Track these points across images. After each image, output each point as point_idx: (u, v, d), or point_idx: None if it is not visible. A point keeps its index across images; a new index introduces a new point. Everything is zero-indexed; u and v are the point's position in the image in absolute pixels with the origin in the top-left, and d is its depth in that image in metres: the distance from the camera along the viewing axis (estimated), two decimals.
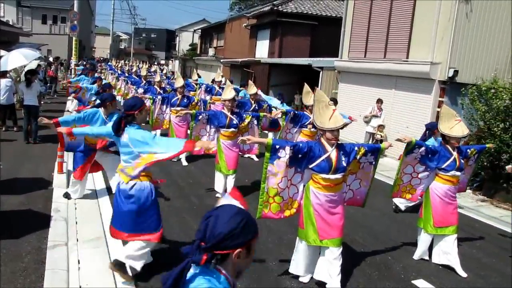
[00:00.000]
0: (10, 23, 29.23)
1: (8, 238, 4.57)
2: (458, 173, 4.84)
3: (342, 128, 3.91)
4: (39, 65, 14.98)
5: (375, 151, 4.26)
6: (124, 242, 4.55)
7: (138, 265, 3.95)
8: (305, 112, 7.48)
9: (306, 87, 7.41)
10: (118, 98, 13.63)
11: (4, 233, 4.68)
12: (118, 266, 3.94)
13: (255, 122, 6.97)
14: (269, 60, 20.65)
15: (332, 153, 3.93)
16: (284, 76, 19.68)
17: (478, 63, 10.13)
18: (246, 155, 9.28)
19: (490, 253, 5.57)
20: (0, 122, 10.66)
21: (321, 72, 15.01)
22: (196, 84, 14.29)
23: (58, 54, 30.32)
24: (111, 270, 3.99)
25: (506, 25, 10.07)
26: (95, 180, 6.92)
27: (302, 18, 20.83)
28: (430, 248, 5.02)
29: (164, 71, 28.01)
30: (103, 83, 10.63)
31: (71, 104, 14.32)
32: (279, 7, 20.80)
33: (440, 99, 10.17)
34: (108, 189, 6.46)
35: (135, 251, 3.94)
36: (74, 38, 24.98)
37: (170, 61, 54.23)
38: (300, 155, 3.90)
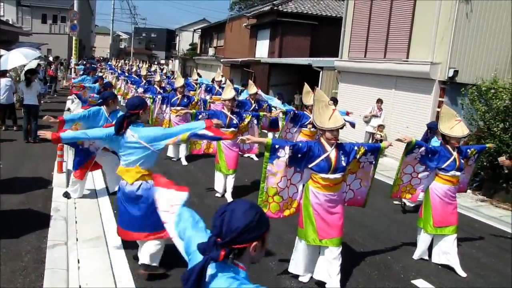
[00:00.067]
0: (10, 22, 29.20)
1: (8, 237, 4.57)
2: (458, 173, 4.84)
3: (341, 128, 3.91)
4: (39, 65, 14.98)
5: (375, 150, 4.25)
6: (123, 241, 4.57)
7: (157, 262, 4.08)
8: (305, 112, 7.48)
9: (306, 87, 7.41)
10: (118, 97, 13.61)
11: (4, 233, 4.68)
12: (149, 268, 4.02)
13: (255, 121, 6.97)
14: (269, 60, 20.65)
15: (332, 152, 3.93)
16: (284, 76, 19.68)
17: (478, 63, 10.13)
18: (246, 155, 9.29)
19: (489, 253, 5.57)
20: (0, 121, 10.66)
21: (321, 72, 15.02)
22: (196, 84, 14.29)
23: (58, 53, 30.31)
24: (145, 275, 4.01)
25: (506, 25, 10.07)
26: (95, 180, 6.92)
27: (302, 18, 20.83)
28: (430, 248, 5.02)
29: (164, 71, 27.99)
30: (104, 82, 10.69)
31: (72, 104, 14.33)
32: (279, 7, 20.79)
33: (440, 99, 10.17)
34: (107, 188, 6.47)
35: (154, 249, 4.02)
36: (74, 38, 24.95)
37: (170, 61, 54.22)
38: (299, 155, 3.90)
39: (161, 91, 11.22)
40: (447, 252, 4.81)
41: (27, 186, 6.36)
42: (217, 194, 6.80)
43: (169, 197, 2.22)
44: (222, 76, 13.50)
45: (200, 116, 6.54)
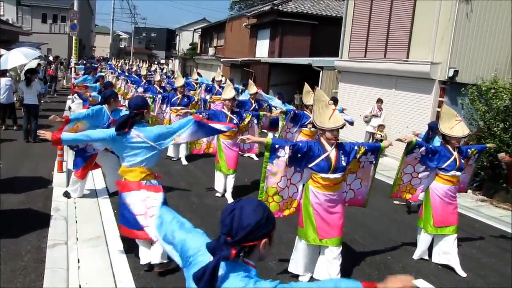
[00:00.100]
0: (10, 22, 29.21)
1: (8, 237, 4.58)
2: (458, 173, 4.84)
3: (342, 127, 3.91)
4: (39, 64, 15.00)
5: (375, 150, 4.25)
6: (123, 241, 4.57)
7: (166, 257, 4.07)
8: (305, 112, 7.48)
9: (306, 87, 7.41)
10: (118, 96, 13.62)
11: (4, 232, 4.68)
12: (163, 265, 4.05)
13: (255, 121, 6.97)
14: (269, 60, 20.64)
15: (332, 152, 3.93)
16: (284, 76, 19.68)
17: (478, 63, 10.13)
18: (246, 155, 9.30)
19: (489, 253, 5.57)
20: (0, 121, 10.66)
21: (321, 72, 15.02)
22: (196, 84, 14.28)
23: (58, 53, 30.33)
24: (161, 272, 4.02)
25: (506, 25, 10.07)
26: (95, 180, 6.91)
27: (302, 17, 20.82)
28: (430, 248, 5.02)
29: (164, 71, 27.98)
30: (104, 81, 10.73)
31: (73, 104, 14.34)
32: (279, 6, 20.78)
33: (440, 99, 10.17)
34: (108, 188, 6.47)
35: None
36: (74, 37, 24.89)
37: (170, 61, 54.21)
38: (299, 155, 3.90)
39: (161, 90, 11.21)
40: (447, 252, 4.81)
41: (27, 185, 6.36)
42: (217, 194, 6.80)
43: (143, 199, 2.11)
44: (222, 75, 13.50)
45: (201, 116, 6.54)
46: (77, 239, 4.76)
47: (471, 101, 9.11)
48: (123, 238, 4.64)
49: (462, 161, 4.88)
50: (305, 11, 20.98)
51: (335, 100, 8.70)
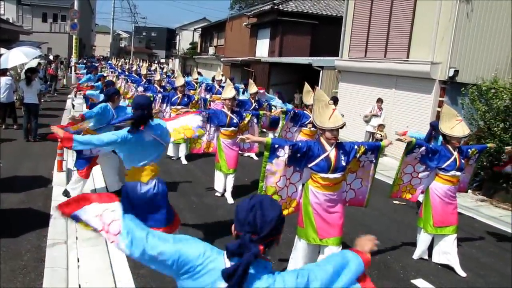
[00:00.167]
0: (10, 21, 29.20)
1: (7, 236, 4.58)
2: (458, 173, 4.83)
3: (341, 127, 3.91)
4: (39, 64, 15.00)
5: (375, 149, 4.25)
6: None
7: None
8: (305, 111, 7.48)
9: (307, 86, 7.41)
10: None
11: (3, 231, 4.68)
12: None
13: (255, 120, 6.97)
14: (269, 59, 20.63)
15: (331, 152, 3.92)
16: (284, 75, 19.67)
17: (478, 63, 10.12)
18: (246, 154, 9.30)
19: (489, 252, 5.57)
20: (0, 120, 10.66)
21: (321, 71, 15.01)
22: (197, 83, 14.29)
23: (58, 52, 30.36)
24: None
25: (506, 25, 10.07)
26: (95, 180, 6.91)
27: (303, 17, 20.81)
28: (430, 248, 5.02)
29: (165, 70, 27.97)
30: (105, 80, 10.76)
31: (76, 102, 14.33)
32: (280, 6, 20.77)
33: (441, 98, 10.17)
34: (108, 188, 6.46)
35: None
36: (74, 37, 24.99)
37: (170, 60, 54.19)
38: (299, 155, 3.89)
39: (161, 90, 11.22)
40: (447, 252, 4.81)
41: (27, 185, 6.36)
42: (216, 194, 6.79)
43: (99, 214, 1.81)
44: (222, 75, 13.51)
45: (201, 116, 6.54)
46: (76, 238, 4.76)
47: (471, 101, 9.11)
48: None
49: (462, 161, 4.88)
50: (306, 11, 20.97)
51: (335, 100, 8.71)
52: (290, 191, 4.10)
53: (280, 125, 8.03)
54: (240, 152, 7.21)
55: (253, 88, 9.61)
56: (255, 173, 7.59)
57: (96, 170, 6.72)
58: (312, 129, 7.18)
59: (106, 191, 6.41)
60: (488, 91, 8.76)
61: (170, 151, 9.04)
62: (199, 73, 18.27)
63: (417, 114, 10.65)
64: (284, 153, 3.85)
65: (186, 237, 1.72)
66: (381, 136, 10.73)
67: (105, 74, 15.90)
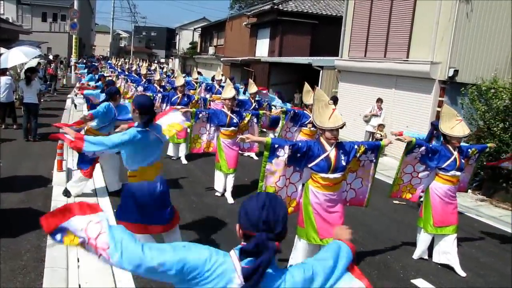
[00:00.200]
0: (10, 20, 29.20)
1: (7, 236, 4.57)
2: (458, 173, 4.83)
3: (341, 127, 3.91)
4: (39, 63, 14.99)
5: (375, 148, 4.26)
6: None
7: None
8: (305, 111, 7.48)
9: (307, 86, 7.41)
10: None
11: (3, 231, 4.68)
12: None
13: (255, 120, 6.97)
14: (269, 59, 20.62)
15: (331, 152, 3.92)
16: (284, 75, 19.67)
17: (478, 63, 10.13)
18: (246, 154, 9.30)
19: (489, 252, 5.57)
20: (0, 120, 10.66)
21: (321, 71, 15.01)
22: (196, 83, 14.29)
23: (58, 52, 30.36)
24: None
25: (506, 25, 10.07)
26: (95, 179, 6.90)
27: (303, 17, 20.80)
28: (430, 248, 5.02)
29: (164, 70, 27.97)
30: (106, 80, 10.80)
31: (77, 102, 14.31)
32: (280, 5, 20.77)
33: (440, 98, 10.17)
34: (108, 188, 6.47)
35: (179, 235, 4.31)
36: (74, 36, 24.99)
37: (170, 60, 54.19)
38: (298, 155, 3.89)
39: (161, 89, 11.23)
40: (447, 252, 4.81)
41: (27, 184, 6.35)
42: (216, 193, 6.79)
43: (83, 228, 1.68)
44: (222, 75, 13.51)
45: (200, 115, 6.56)
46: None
47: (471, 101, 9.11)
48: None
49: (462, 161, 4.87)
50: (305, 11, 20.97)
51: (335, 99, 8.72)
52: (289, 190, 4.10)
53: (280, 125, 8.03)
54: (240, 151, 7.20)
55: (253, 88, 9.60)
56: (255, 173, 7.59)
57: (96, 170, 6.71)
58: (312, 129, 7.18)
59: (106, 190, 6.42)
60: (488, 91, 8.76)
61: (170, 151, 9.04)
62: (199, 73, 18.26)
63: (417, 114, 10.66)
64: (284, 153, 3.85)
65: (187, 244, 1.64)
66: (381, 136, 10.73)
67: (105, 74, 15.89)
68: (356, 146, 4.11)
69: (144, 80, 14.61)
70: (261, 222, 1.55)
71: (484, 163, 8.51)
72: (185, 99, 8.85)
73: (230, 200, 6.51)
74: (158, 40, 77.88)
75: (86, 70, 15.97)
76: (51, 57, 23.96)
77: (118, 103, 6.13)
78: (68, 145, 3.72)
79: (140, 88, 12.22)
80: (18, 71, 12.44)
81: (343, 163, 3.97)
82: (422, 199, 5.13)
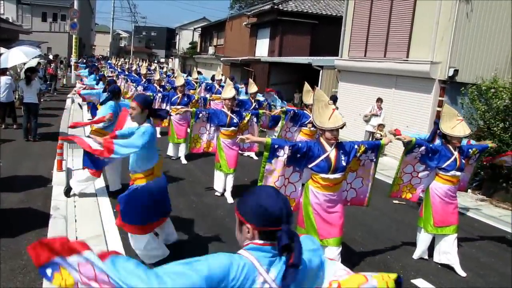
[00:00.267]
0: (10, 20, 29.19)
1: (7, 236, 4.57)
2: (458, 173, 4.82)
3: (341, 127, 3.90)
4: (39, 63, 14.98)
5: (375, 148, 4.26)
6: (123, 240, 4.56)
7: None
8: (305, 111, 7.47)
9: (306, 86, 7.41)
10: None
11: (3, 231, 4.67)
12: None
13: (255, 120, 6.97)
14: (269, 59, 20.62)
15: (332, 152, 3.92)
16: (284, 75, 19.67)
17: (478, 62, 10.13)
18: (246, 153, 9.30)
19: (489, 252, 5.57)
20: (0, 119, 10.66)
21: (321, 71, 15.00)
22: (196, 83, 14.30)
23: (58, 52, 30.36)
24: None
25: (506, 25, 10.07)
26: (95, 180, 6.90)
27: (303, 17, 20.80)
28: (430, 248, 5.01)
29: (164, 70, 27.96)
30: (107, 79, 10.84)
31: (77, 100, 14.32)
32: (280, 5, 20.76)
33: (440, 98, 10.17)
34: (107, 187, 6.46)
35: (172, 225, 4.54)
36: (74, 36, 24.98)
37: (170, 60, 54.19)
38: (299, 155, 3.88)
39: (161, 89, 11.23)
40: (447, 252, 4.81)
41: (26, 184, 6.35)
42: (216, 193, 6.79)
43: (79, 276, 1.43)
44: (222, 74, 13.51)
45: (201, 115, 6.56)
46: (76, 238, 4.75)
47: (471, 101, 9.11)
48: (122, 237, 4.64)
49: (463, 161, 4.86)
50: (305, 10, 20.97)
51: (334, 99, 8.71)
52: (288, 190, 4.09)
53: (280, 125, 8.03)
54: (240, 151, 7.19)
55: (253, 88, 9.60)
56: (254, 173, 7.59)
57: None
58: (312, 129, 7.18)
59: (107, 190, 6.42)
60: (488, 90, 8.76)
61: (170, 151, 9.03)
62: (199, 73, 18.26)
63: (417, 114, 10.66)
64: (283, 154, 3.84)
65: (201, 258, 1.47)
66: (381, 135, 10.72)
67: (106, 74, 15.90)
68: (356, 146, 4.11)
69: (144, 80, 14.63)
70: (283, 214, 1.55)
71: (484, 162, 8.52)
72: (185, 99, 8.85)
73: (230, 200, 6.51)
74: (158, 40, 77.87)
75: (87, 70, 15.97)
76: (51, 57, 23.96)
77: (119, 101, 6.30)
78: (93, 152, 3.71)
79: (140, 88, 12.23)
80: (18, 71, 12.44)
81: (343, 163, 3.97)
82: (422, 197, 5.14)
